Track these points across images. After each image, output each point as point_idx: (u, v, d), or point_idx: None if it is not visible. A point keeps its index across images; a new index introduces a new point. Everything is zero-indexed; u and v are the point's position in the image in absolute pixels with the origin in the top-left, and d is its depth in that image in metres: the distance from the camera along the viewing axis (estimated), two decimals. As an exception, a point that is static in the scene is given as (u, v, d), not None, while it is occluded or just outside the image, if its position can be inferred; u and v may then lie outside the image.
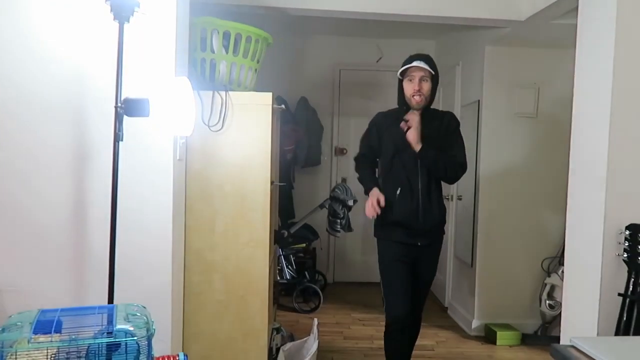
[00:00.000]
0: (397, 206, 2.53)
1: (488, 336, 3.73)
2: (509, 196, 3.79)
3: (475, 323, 3.81)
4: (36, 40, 1.91)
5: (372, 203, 2.47)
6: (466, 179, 4.00)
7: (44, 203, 1.93)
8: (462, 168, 2.59)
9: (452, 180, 2.68)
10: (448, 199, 4.33)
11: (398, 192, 2.52)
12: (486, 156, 3.78)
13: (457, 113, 4.27)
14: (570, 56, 2.43)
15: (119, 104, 1.68)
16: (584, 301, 2.11)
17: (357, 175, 2.74)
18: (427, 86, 2.48)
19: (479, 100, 3.80)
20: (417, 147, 2.46)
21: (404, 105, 2.55)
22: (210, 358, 2.32)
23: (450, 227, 4.41)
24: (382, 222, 2.59)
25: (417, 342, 2.98)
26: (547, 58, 3.70)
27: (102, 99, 1.91)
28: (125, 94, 1.71)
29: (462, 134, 2.65)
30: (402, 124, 2.49)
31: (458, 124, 2.65)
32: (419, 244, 2.54)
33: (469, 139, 3.91)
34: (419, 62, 2.44)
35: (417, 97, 2.46)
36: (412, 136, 2.45)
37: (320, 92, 5.02)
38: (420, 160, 2.49)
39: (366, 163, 2.70)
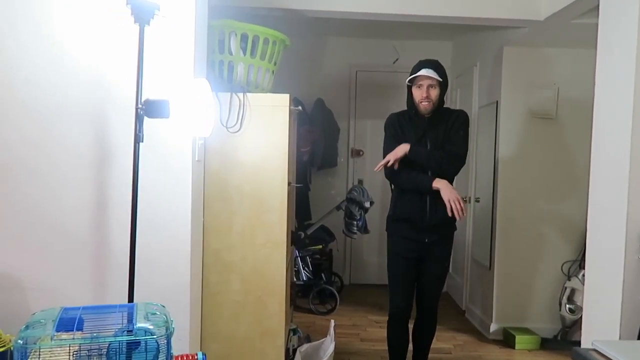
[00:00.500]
0: (408, 203, 2.64)
1: (506, 340, 3.68)
2: (528, 198, 3.74)
3: (493, 327, 3.77)
4: (57, 43, 1.94)
5: (456, 199, 2.48)
6: (484, 181, 3.97)
7: (65, 204, 1.96)
8: (458, 159, 2.61)
9: (450, 173, 2.64)
10: (465, 200, 4.29)
11: (405, 193, 2.63)
12: (504, 158, 3.74)
13: (475, 114, 4.24)
14: (591, 56, 2.40)
15: (140, 105, 1.70)
16: (606, 304, 2.08)
17: (400, 182, 2.69)
18: (435, 92, 2.57)
19: (497, 101, 3.76)
20: (399, 155, 2.54)
21: (413, 109, 2.64)
22: (228, 358, 2.33)
23: (467, 230, 4.37)
24: (393, 218, 2.72)
25: (434, 345, 2.97)
26: (566, 58, 3.65)
27: (122, 100, 1.94)
28: (146, 95, 1.73)
29: (468, 129, 2.67)
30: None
31: (465, 119, 2.68)
32: (426, 240, 2.64)
33: (487, 140, 3.88)
34: (427, 70, 2.53)
35: (425, 104, 2.56)
36: (394, 155, 2.54)
37: (336, 94, 5.02)
38: (411, 158, 2.55)
39: (404, 166, 2.65)
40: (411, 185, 2.65)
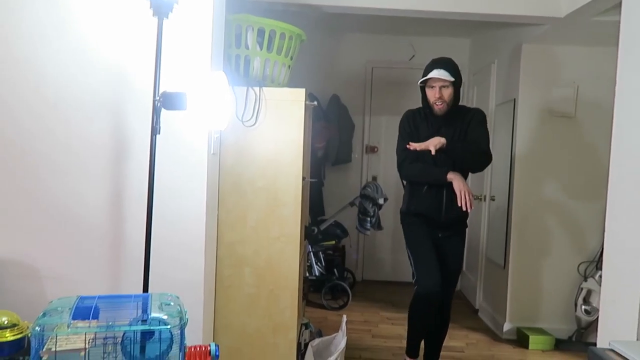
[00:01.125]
0: (423, 199, 2.66)
1: (520, 340, 3.65)
2: (545, 197, 3.70)
3: (507, 326, 3.74)
4: (77, 36, 1.97)
5: (467, 191, 2.49)
6: (500, 179, 3.93)
7: (83, 195, 1.99)
8: (486, 156, 2.61)
9: (479, 168, 2.71)
10: (480, 199, 4.26)
11: (425, 187, 2.65)
12: (521, 156, 3.70)
13: (492, 112, 4.20)
14: (612, 54, 2.35)
15: (157, 98, 1.72)
16: (623, 305, 2.04)
17: (411, 174, 2.71)
18: (448, 92, 2.56)
19: (514, 99, 3.72)
20: (438, 145, 2.47)
21: (427, 108, 2.65)
22: (240, 350, 2.35)
23: (482, 228, 4.34)
24: (407, 212, 2.74)
25: (447, 344, 2.95)
26: (586, 56, 3.59)
27: (140, 93, 1.96)
28: (163, 88, 1.75)
29: (487, 127, 2.67)
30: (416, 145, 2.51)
31: (483, 117, 2.68)
32: (440, 235, 2.67)
33: (503, 138, 3.84)
34: (438, 71, 2.53)
35: (438, 104, 2.57)
36: (434, 143, 2.47)
37: (352, 90, 5.01)
38: (448, 154, 2.53)
39: (414, 161, 2.67)
40: (425, 177, 2.65)
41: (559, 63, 3.63)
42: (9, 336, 1.33)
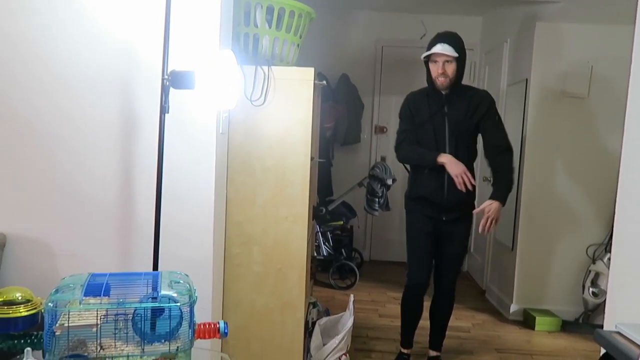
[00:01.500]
0: (425, 182, 2.66)
1: (526, 321, 3.67)
2: (555, 179, 3.67)
3: (513, 307, 3.75)
4: (88, 14, 1.95)
5: (462, 173, 2.51)
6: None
7: (93, 174, 2.00)
8: (511, 153, 2.67)
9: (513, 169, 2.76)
10: (489, 180, 4.22)
11: (426, 170, 2.65)
12: (532, 137, 3.66)
13: (503, 92, 4.14)
14: (628, 33, 2.30)
15: (166, 76, 1.71)
16: (631, 288, 2.04)
17: (406, 156, 2.76)
18: (451, 68, 2.53)
19: (526, 79, 3.66)
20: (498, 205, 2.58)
21: (430, 85, 2.63)
22: (248, 327, 2.38)
23: (491, 210, 4.32)
24: (410, 196, 2.76)
25: (453, 324, 2.98)
26: (601, 35, 3.52)
27: (149, 71, 1.95)
28: (172, 66, 1.74)
29: (499, 114, 2.67)
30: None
31: (492, 103, 2.65)
32: (444, 218, 2.67)
33: (514, 118, 3.79)
34: (442, 46, 2.50)
35: (441, 79, 2.55)
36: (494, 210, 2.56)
37: (361, 69, 4.96)
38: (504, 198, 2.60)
39: (412, 143, 2.70)
40: (418, 160, 2.69)
41: (573, 42, 3.56)
42: (23, 311, 1.35)
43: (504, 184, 2.61)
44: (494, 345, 3.28)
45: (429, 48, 2.55)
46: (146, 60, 1.96)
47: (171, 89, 1.72)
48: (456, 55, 2.51)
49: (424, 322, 2.92)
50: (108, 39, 1.97)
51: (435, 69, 2.55)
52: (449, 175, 2.57)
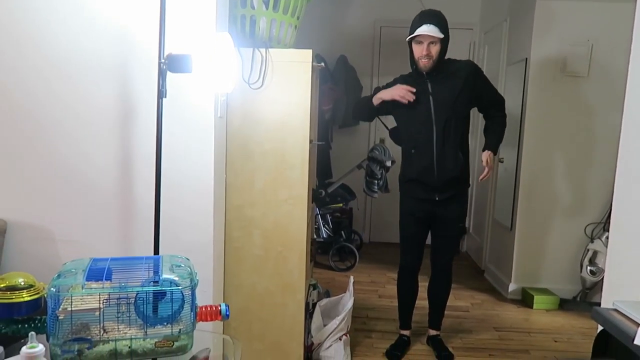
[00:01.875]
0: (413, 163, 2.67)
1: (525, 300, 3.71)
2: (554, 159, 3.67)
3: (512, 287, 3.79)
4: (81, 1, 1.93)
5: (400, 91, 2.58)
6: (508, 140, 3.89)
7: (92, 160, 2.00)
8: (504, 104, 2.77)
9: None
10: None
11: (413, 150, 2.66)
12: (532, 117, 3.65)
13: (503, 72, 4.12)
14: (629, 11, 2.28)
15: (163, 60, 1.69)
16: (628, 266, 2.06)
17: (353, 110, 3.00)
18: (436, 49, 2.51)
19: (526, 59, 3.64)
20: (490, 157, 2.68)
21: (413, 65, 2.61)
22: (250, 309, 2.40)
23: (489, 190, 4.33)
24: (402, 179, 2.78)
25: (452, 303, 3.01)
26: (602, 13, 3.49)
27: (145, 55, 1.94)
28: (168, 50, 1.72)
29: (483, 73, 2.73)
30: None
31: (477, 70, 2.68)
32: (437, 198, 2.66)
33: (514, 99, 3.78)
34: (427, 26, 2.46)
35: (424, 60, 2.53)
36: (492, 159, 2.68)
37: (359, 50, 4.92)
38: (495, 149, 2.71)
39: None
40: (360, 108, 2.87)
41: (573, 20, 3.53)
42: (26, 296, 1.37)
43: (497, 135, 2.73)
44: (493, 324, 3.33)
45: (413, 28, 2.50)
46: (142, 45, 1.94)
47: (168, 74, 1.71)
48: (442, 36, 2.47)
49: (424, 302, 2.95)
50: (104, 24, 1.94)
51: (419, 50, 2.51)
52: (437, 153, 2.57)
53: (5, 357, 1.24)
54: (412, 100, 2.55)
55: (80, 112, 1.97)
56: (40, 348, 1.15)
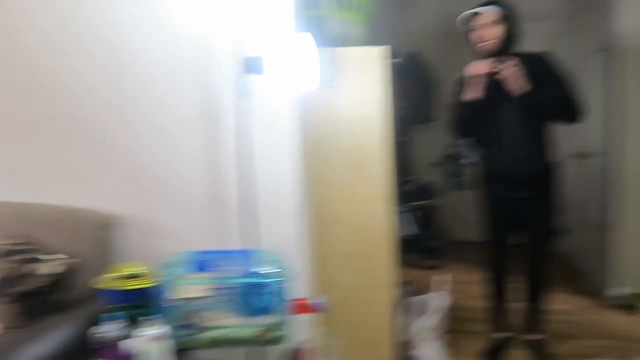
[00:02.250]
0: (496, 158, 2.52)
1: (630, 306, 3.40)
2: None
3: (614, 291, 3.49)
4: (164, 10, 2.07)
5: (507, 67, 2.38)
6: (595, 134, 3.61)
7: (184, 156, 2.12)
8: (576, 103, 2.39)
9: (567, 118, 2.45)
10: (582, 156, 3.96)
11: (495, 145, 2.52)
12: (634, 108, 3.35)
13: (587, 61, 3.85)
14: None
15: (242, 62, 1.77)
16: None
17: (457, 123, 2.71)
18: (494, 31, 2.37)
19: (616, 45, 3.37)
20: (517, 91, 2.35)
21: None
22: (337, 306, 2.41)
23: (579, 189, 4.05)
24: (484, 177, 2.65)
25: (550, 307, 2.85)
26: None
27: (224, 58, 2.03)
28: (247, 52, 1.79)
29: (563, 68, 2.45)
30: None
31: (551, 61, 2.45)
32: (521, 196, 2.48)
33: (598, 89, 3.50)
34: (484, 7, 2.38)
35: (480, 45, 2.43)
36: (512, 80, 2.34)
37: (435, 45, 4.82)
38: (522, 106, 2.36)
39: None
40: (465, 112, 2.59)
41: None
42: (145, 284, 1.49)
43: (549, 90, 2.37)
44: (598, 330, 3.11)
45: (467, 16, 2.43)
46: (221, 47, 2.03)
47: (248, 75, 1.77)
48: (493, 18, 2.36)
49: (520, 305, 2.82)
50: (184, 27, 2.06)
51: (475, 35, 2.44)
52: (518, 149, 2.44)
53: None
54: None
55: (169, 109, 2.10)
56: (165, 330, 1.23)
